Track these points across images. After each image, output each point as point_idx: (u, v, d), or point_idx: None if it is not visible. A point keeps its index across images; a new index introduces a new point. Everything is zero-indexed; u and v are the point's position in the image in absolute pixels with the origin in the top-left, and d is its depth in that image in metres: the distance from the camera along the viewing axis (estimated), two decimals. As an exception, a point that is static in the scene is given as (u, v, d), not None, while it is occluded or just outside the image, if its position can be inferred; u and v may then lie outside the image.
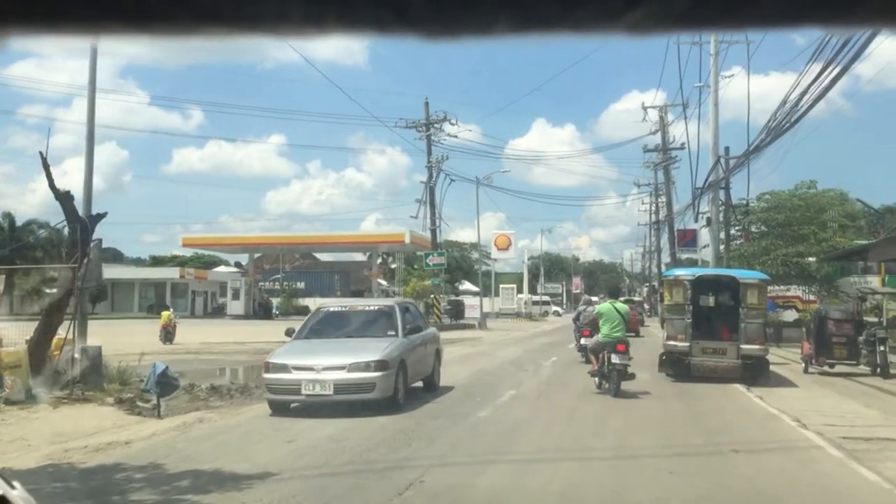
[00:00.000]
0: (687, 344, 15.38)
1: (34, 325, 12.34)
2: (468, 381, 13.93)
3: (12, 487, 1.47)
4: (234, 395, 12.69)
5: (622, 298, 19.99)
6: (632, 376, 12.79)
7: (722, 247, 31.38)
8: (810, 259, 28.75)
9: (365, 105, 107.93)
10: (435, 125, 45.13)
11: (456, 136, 46.10)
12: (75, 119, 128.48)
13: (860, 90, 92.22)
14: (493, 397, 11.50)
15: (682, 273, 16.93)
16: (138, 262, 78.48)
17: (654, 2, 0.56)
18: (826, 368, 16.24)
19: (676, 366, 15.45)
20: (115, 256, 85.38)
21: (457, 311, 47.47)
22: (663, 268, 68.22)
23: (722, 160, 31.02)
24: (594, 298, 23.66)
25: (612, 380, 12.33)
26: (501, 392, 12.02)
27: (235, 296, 56.23)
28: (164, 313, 29.97)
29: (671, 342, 15.67)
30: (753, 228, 31.45)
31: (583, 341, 16.61)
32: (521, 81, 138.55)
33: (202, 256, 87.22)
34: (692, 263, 56.20)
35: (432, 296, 43.65)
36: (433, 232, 45.35)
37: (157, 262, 78.60)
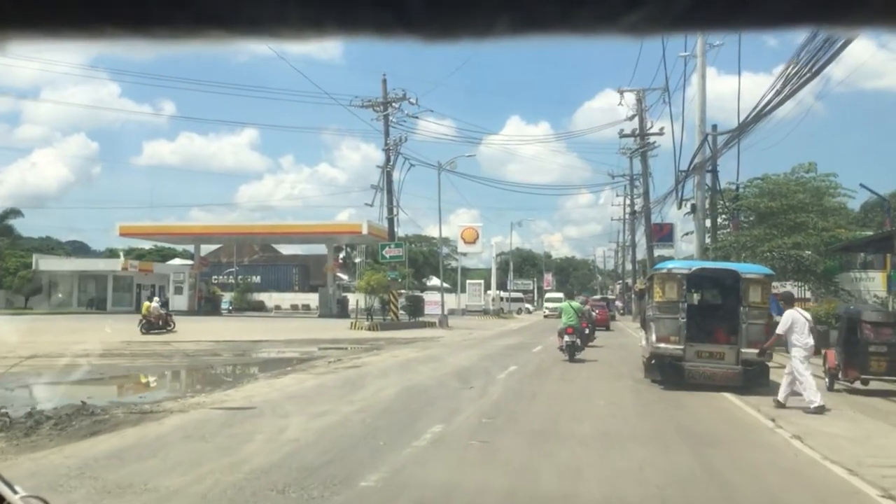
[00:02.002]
0: (680, 347, 12.69)
1: None
2: (385, 407, 10.10)
3: (15, 492, 1.52)
4: (36, 429, 8.69)
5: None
6: (581, 349, 18.74)
7: (708, 238, 27.96)
8: (807, 252, 25.28)
9: (340, 97, 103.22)
10: (393, 104, 41.20)
11: (416, 118, 42.20)
12: (43, 110, 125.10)
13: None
14: (403, 440, 7.64)
15: (676, 266, 13.53)
16: (110, 254, 73.14)
17: (652, 4, 0.56)
18: (857, 385, 12.65)
19: (667, 371, 13.00)
20: (80, 249, 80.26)
21: (416, 307, 43.53)
22: (634, 265, 65.15)
23: (709, 139, 27.55)
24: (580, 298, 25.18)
25: (567, 351, 18.02)
26: (421, 430, 8.18)
27: (178, 290, 51.84)
28: (146, 304, 30.71)
29: (662, 344, 12.82)
30: (743, 217, 27.91)
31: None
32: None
33: (161, 249, 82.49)
34: (665, 259, 53.01)
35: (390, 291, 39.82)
36: (390, 221, 41.44)
37: (113, 254, 73.46)
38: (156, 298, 33.70)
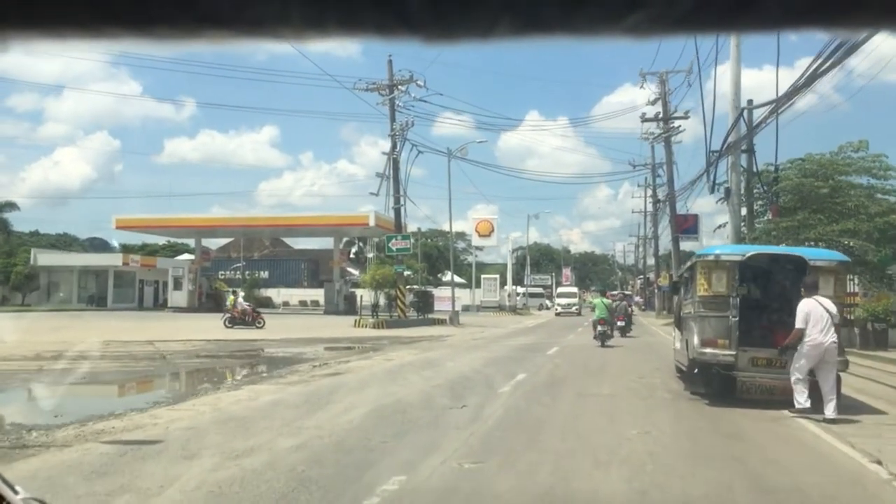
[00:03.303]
0: (731, 352, 10.02)
1: None
2: (338, 440, 7.41)
3: (16, 492, 1.46)
4: None
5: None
6: (611, 336, 22.18)
7: (743, 227, 25.05)
8: (856, 241, 22.33)
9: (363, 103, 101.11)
10: (399, 87, 38.52)
11: (425, 101, 39.47)
12: (66, 109, 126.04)
13: None
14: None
15: (726, 252, 10.75)
16: (127, 249, 71.22)
17: (653, 5, 0.56)
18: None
19: (713, 382, 10.32)
20: (101, 246, 78.24)
21: (425, 303, 40.83)
22: (656, 258, 61.87)
23: (744, 115, 24.61)
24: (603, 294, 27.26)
25: (600, 338, 21.36)
26: (371, 484, 5.43)
27: (177, 285, 49.43)
28: (230, 297, 30.80)
29: (708, 349, 10.14)
30: (783, 201, 24.95)
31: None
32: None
33: (174, 244, 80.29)
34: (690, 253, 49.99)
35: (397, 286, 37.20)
36: (396, 211, 38.76)
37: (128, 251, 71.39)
38: (240, 293, 32.61)
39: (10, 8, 0.57)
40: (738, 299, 10.12)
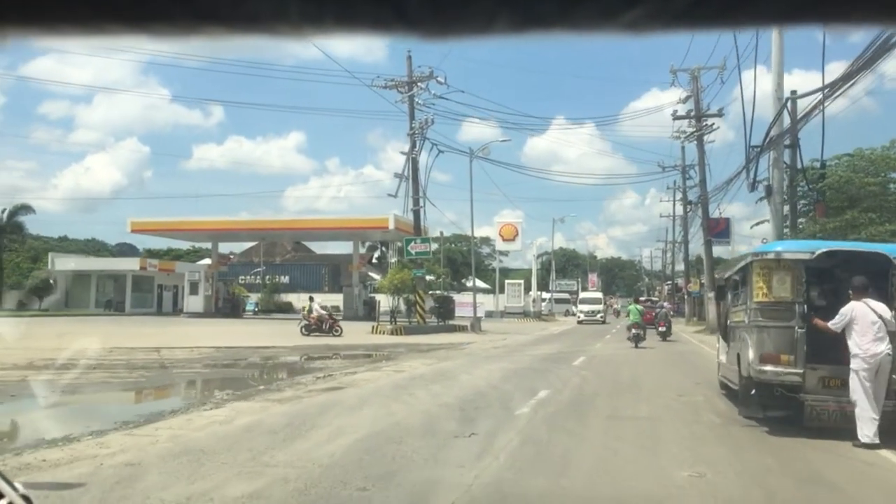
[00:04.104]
0: (798, 371, 8.25)
1: None
2: (304, 486, 5.79)
3: (14, 489, 1.51)
4: None
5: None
6: (644, 339, 24.40)
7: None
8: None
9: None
10: (418, 83, 36.98)
11: (445, 98, 37.86)
12: (98, 116, 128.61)
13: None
14: None
15: (790, 249, 8.96)
16: (152, 254, 70.67)
17: (651, 1, 0.56)
18: None
19: (773, 405, 8.52)
20: (128, 251, 77.65)
21: (445, 309, 39.19)
22: (686, 262, 59.48)
23: (788, 106, 22.72)
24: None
25: (633, 340, 23.84)
26: None
27: (194, 290, 48.24)
28: (306, 304, 30.00)
29: (769, 367, 8.39)
30: (829, 200, 23.03)
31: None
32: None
33: (199, 249, 79.39)
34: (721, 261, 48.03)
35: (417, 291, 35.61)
36: (416, 213, 37.13)
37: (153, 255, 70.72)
38: (316, 299, 31.57)
39: (7, 3, 0.56)
40: (805, 306, 8.40)
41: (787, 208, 23.24)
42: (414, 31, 0.58)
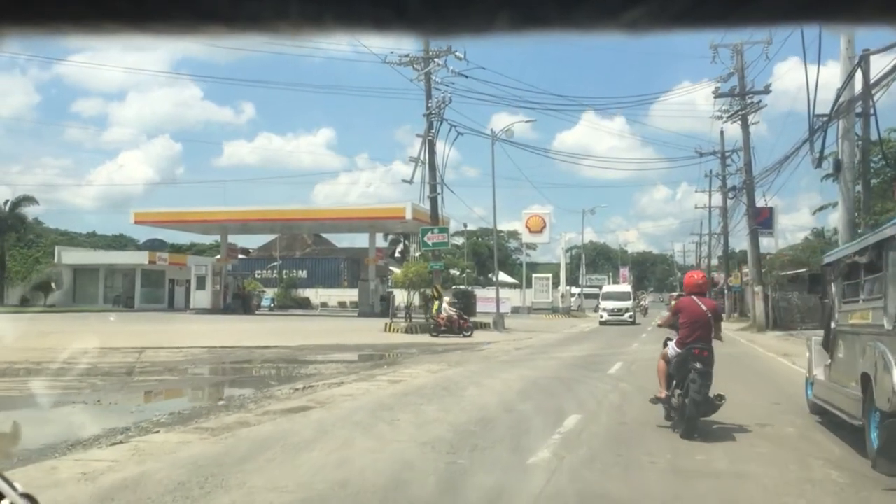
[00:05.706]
0: None
1: None
2: None
3: (14, 489, 1.45)
4: None
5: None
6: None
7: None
8: None
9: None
10: (436, 59, 33.90)
11: (465, 76, 34.68)
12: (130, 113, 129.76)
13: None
14: None
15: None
16: (175, 249, 68.74)
17: (651, 1, 0.57)
18: None
19: None
20: (160, 247, 75.90)
21: (466, 305, 36.02)
22: (726, 253, 55.52)
23: (861, 66, 19.31)
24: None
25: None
26: None
27: (200, 285, 45.67)
28: (435, 303, 28.23)
29: None
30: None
31: None
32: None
33: (219, 244, 76.99)
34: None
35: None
36: (433, 201, 34.01)
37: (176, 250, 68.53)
38: (446, 298, 29.16)
39: (6, 1, 0.56)
40: None
41: (859, 187, 19.87)
42: (414, 31, 0.58)
